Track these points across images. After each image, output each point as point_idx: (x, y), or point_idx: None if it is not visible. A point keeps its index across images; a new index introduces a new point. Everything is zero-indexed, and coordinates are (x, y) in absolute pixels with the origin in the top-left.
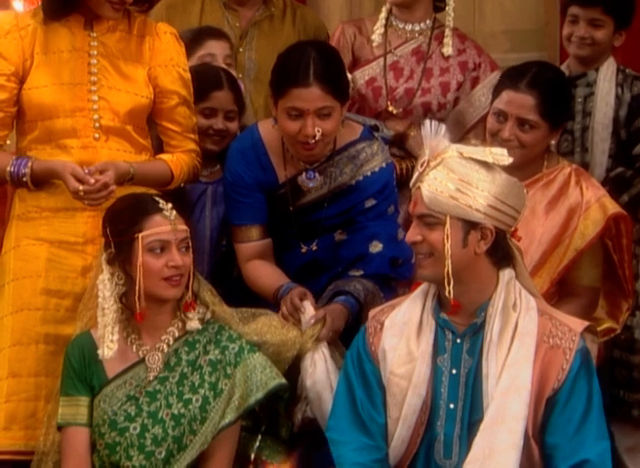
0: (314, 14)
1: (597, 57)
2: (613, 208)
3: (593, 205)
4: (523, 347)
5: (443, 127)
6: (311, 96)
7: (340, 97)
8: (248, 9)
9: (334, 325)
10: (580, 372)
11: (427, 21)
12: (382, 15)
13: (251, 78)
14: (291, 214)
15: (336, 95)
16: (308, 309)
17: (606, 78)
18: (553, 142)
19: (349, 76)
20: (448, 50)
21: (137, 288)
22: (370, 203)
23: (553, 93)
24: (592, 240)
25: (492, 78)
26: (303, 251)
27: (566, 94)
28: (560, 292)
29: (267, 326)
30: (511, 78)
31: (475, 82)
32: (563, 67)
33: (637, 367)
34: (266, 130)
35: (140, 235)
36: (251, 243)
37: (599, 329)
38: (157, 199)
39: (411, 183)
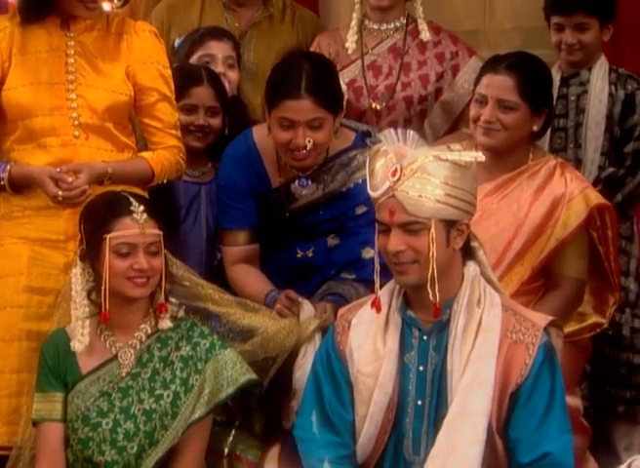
0: (313, 15)
1: (589, 58)
2: (596, 199)
3: (577, 196)
4: (487, 343)
5: (411, 133)
6: (302, 107)
7: (332, 108)
8: (247, 9)
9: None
10: (543, 367)
11: (401, 19)
12: (354, 22)
13: (249, 78)
14: (285, 219)
15: (327, 106)
16: (306, 303)
17: (599, 77)
18: (535, 128)
19: (344, 87)
20: (425, 35)
21: (102, 287)
22: (361, 210)
23: (532, 75)
24: (574, 230)
25: (471, 63)
26: (299, 256)
27: (545, 78)
28: (546, 285)
29: (268, 316)
30: (491, 63)
31: (455, 70)
32: (555, 68)
33: (624, 363)
34: (261, 136)
35: (108, 236)
36: (238, 247)
37: (585, 324)
38: (131, 200)
39: (378, 193)
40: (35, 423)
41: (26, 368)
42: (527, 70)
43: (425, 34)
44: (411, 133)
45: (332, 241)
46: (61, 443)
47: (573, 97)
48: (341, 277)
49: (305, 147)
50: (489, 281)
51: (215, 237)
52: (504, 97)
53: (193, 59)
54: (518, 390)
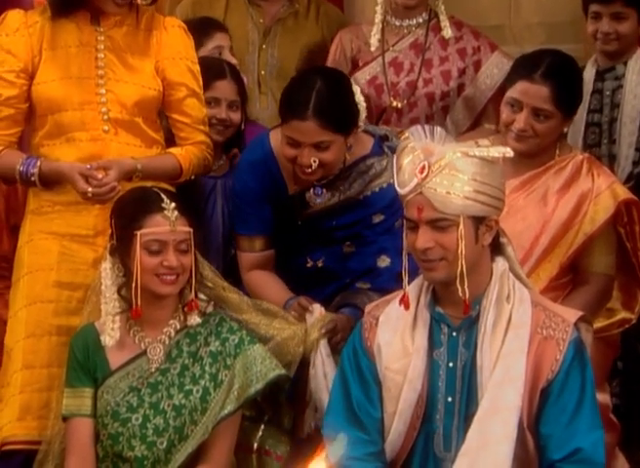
0: (338, 10)
1: (625, 50)
2: (623, 194)
3: (604, 191)
4: (517, 339)
5: (439, 129)
6: (308, 129)
7: (342, 129)
8: (272, 5)
9: (340, 333)
10: (574, 363)
11: (424, 14)
12: (379, 18)
13: (273, 75)
14: (297, 226)
15: (336, 128)
16: (316, 309)
17: (634, 71)
18: (565, 129)
19: (362, 103)
20: (448, 32)
21: (133, 283)
22: (378, 218)
23: (567, 82)
24: (602, 225)
25: (493, 58)
26: (309, 265)
27: (578, 82)
28: (574, 281)
29: (284, 321)
30: (525, 68)
31: (478, 65)
32: (591, 62)
33: None
34: (277, 141)
35: (139, 233)
36: (254, 253)
37: (614, 319)
38: (163, 196)
39: (405, 190)
40: (65, 418)
41: (56, 362)
42: (563, 78)
43: (448, 31)
44: (438, 129)
45: (347, 248)
46: (91, 438)
47: (608, 92)
48: (356, 287)
49: (311, 166)
50: (517, 277)
51: (230, 232)
52: (540, 106)
53: (206, 51)
54: (549, 386)
